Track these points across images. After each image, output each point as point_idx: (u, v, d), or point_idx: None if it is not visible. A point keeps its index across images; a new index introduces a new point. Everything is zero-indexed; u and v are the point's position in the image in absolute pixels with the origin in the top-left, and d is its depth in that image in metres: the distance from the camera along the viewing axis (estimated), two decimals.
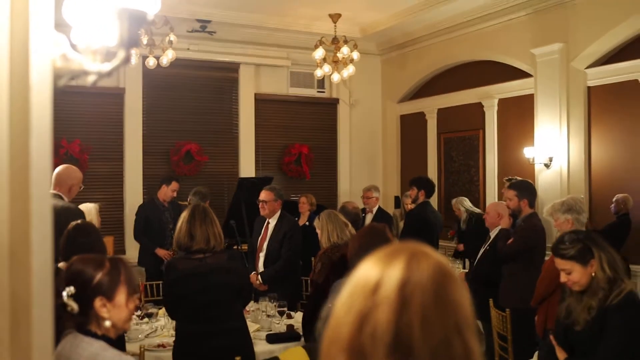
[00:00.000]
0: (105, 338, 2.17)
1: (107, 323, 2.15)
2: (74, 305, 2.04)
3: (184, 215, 3.81)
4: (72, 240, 3.33)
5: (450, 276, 1.06)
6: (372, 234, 3.55)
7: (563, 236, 3.21)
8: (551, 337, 3.25)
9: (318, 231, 4.62)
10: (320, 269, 4.46)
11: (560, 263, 3.10)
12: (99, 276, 2.14)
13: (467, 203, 7.73)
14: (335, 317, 1.06)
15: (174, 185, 7.22)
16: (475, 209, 7.76)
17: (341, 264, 4.25)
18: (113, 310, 2.16)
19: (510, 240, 5.33)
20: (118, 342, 2.33)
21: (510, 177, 6.89)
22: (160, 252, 6.84)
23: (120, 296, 2.17)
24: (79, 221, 3.62)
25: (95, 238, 3.54)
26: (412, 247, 1.08)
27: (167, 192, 7.20)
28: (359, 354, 1.00)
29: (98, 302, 2.14)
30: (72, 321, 2.14)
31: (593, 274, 3.00)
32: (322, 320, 3.43)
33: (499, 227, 5.57)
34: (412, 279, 1.01)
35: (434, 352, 0.98)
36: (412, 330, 0.98)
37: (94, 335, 2.15)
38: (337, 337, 1.04)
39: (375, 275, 1.04)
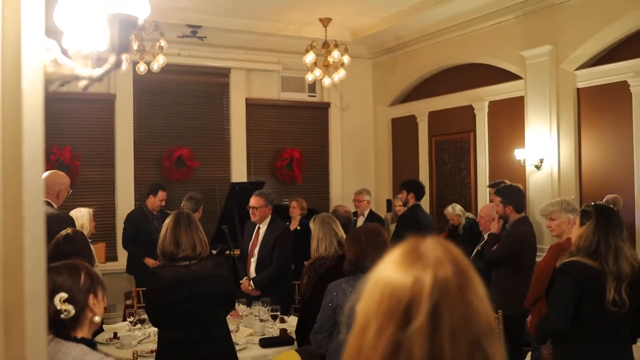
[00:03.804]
0: (84, 341, 2.21)
1: (97, 318, 2.24)
2: (70, 309, 2.07)
3: (168, 222, 3.75)
4: (61, 248, 3.34)
5: (472, 282, 1.06)
6: (369, 238, 3.51)
7: None
8: None
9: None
10: (307, 283, 4.46)
11: None
12: (82, 276, 2.23)
13: (460, 207, 7.55)
14: (364, 334, 1.06)
15: (161, 194, 7.18)
16: (469, 213, 7.65)
17: (328, 276, 4.28)
18: (97, 306, 2.26)
19: (494, 247, 5.37)
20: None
21: (493, 183, 6.82)
22: (149, 261, 6.76)
23: (99, 291, 2.28)
24: (69, 231, 3.62)
25: (82, 248, 3.54)
26: (432, 251, 1.07)
27: (154, 202, 7.17)
28: None
29: (92, 300, 2.23)
30: (54, 327, 2.15)
31: None
32: (343, 326, 3.44)
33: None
34: (441, 300, 1.02)
35: None
36: (443, 350, 1.00)
37: (74, 340, 2.19)
38: (367, 358, 1.04)
39: (405, 295, 1.03)
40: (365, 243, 3.47)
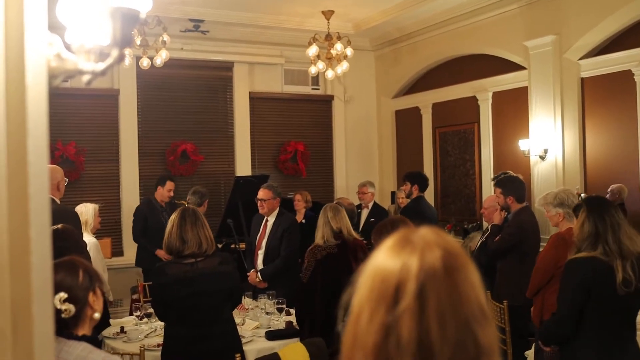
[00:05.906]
0: (85, 338, 2.19)
1: (97, 315, 2.21)
2: (71, 308, 2.02)
3: (174, 218, 3.73)
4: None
5: (461, 266, 1.07)
6: (395, 228, 3.46)
7: None
8: None
9: None
10: (306, 267, 4.48)
11: None
12: (81, 274, 2.20)
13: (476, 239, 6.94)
14: (358, 321, 1.07)
15: (169, 185, 7.21)
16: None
17: (325, 263, 4.29)
18: (97, 302, 2.23)
19: (497, 238, 5.37)
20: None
21: (496, 176, 6.78)
22: (161, 253, 6.78)
23: (98, 287, 2.25)
24: (59, 226, 3.61)
25: (72, 243, 3.53)
26: (422, 237, 1.09)
27: (163, 193, 7.20)
28: None
29: (91, 298, 2.20)
30: (54, 326, 2.09)
31: None
32: (341, 313, 3.44)
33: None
34: (427, 281, 1.03)
35: (453, 350, 1.01)
36: (430, 332, 1.01)
37: (75, 338, 2.17)
38: (362, 344, 1.06)
39: (393, 279, 1.05)
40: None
